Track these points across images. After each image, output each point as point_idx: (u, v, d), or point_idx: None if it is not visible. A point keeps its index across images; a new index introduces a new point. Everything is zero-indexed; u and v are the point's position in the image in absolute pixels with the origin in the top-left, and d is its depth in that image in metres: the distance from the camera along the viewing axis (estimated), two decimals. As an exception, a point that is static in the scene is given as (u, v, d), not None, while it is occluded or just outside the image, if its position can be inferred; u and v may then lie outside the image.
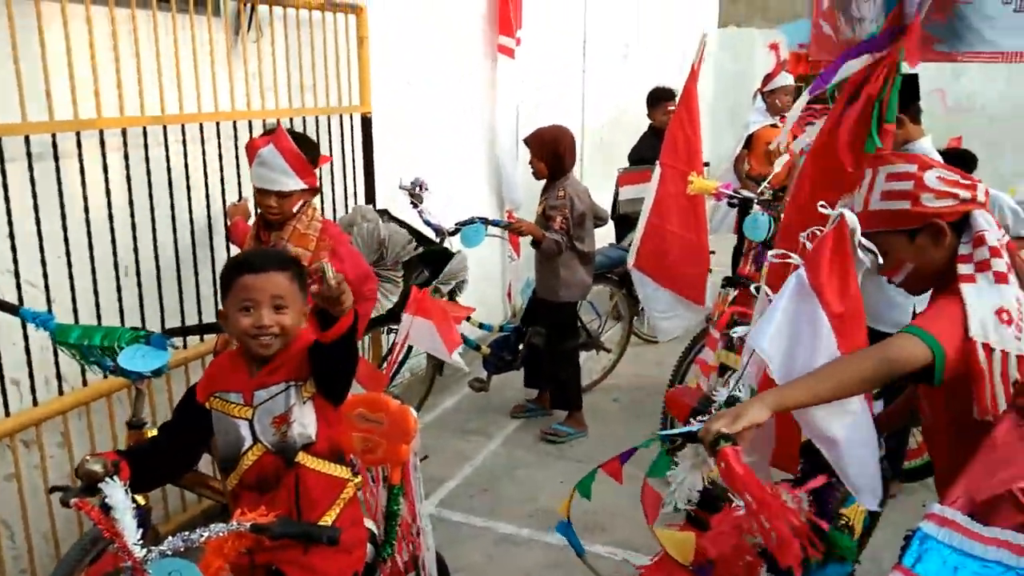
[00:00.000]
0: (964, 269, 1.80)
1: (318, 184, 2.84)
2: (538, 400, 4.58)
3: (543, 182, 4.15)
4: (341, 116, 3.97)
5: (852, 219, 1.83)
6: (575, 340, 4.34)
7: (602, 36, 7.25)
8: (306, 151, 2.72)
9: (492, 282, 5.50)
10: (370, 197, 4.19)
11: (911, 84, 3.84)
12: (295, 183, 2.68)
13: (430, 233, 4.01)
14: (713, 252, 3.99)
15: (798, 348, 1.73)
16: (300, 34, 3.68)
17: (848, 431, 1.77)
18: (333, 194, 3.97)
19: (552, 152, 4.02)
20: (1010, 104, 11.71)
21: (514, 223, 4.06)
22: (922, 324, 1.74)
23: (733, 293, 3.79)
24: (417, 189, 3.97)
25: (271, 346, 1.84)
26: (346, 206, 4.03)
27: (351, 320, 1.73)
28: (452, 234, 4.02)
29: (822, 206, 1.94)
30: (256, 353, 1.86)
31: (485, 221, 4.06)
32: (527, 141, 4.12)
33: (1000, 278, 1.77)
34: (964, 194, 1.84)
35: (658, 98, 5.88)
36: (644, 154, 5.73)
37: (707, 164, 6.06)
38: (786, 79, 6.30)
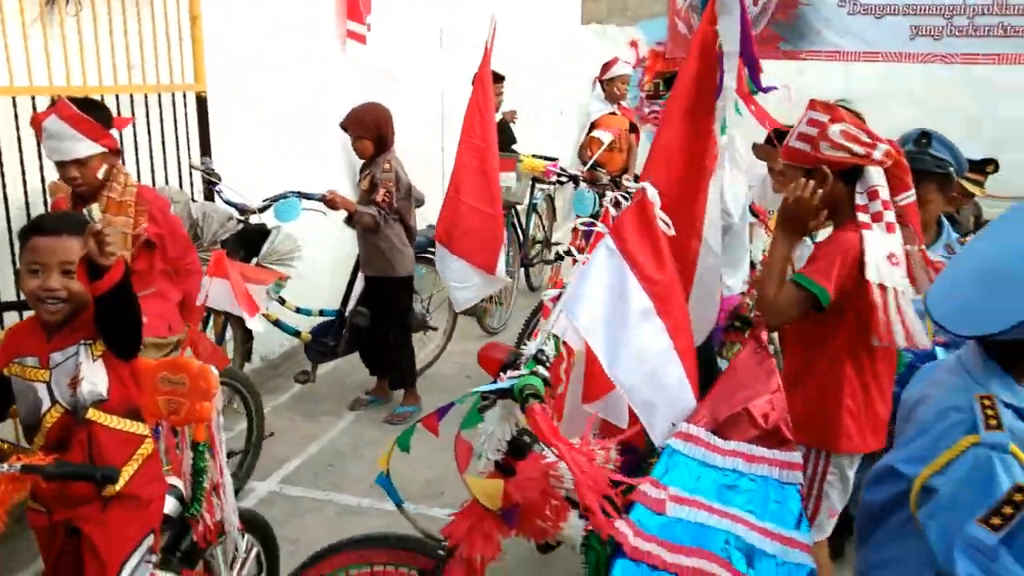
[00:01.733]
0: (863, 218, 2.13)
1: (118, 146, 2.80)
2: (376, 391, 4.55)
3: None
4: (174, 95, 3.90)
5: (652, 193, 2.00)
6: (409, 316, 4.37)
7: (460, 27, 7.35)
8: (93, 114, 2.67)
9: (311, 263, 5.42)
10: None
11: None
12: (88, 147, 2.64)
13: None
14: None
15: (608, 309, 1.83)
16: (125, 9, 3.59)
17: (639, 379, 1.84)
18: (166, 174, 3.89)
19: (377, 129, 4.08)
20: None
21: (328, 197, 4.02)
22: (807, 273, 2.14)
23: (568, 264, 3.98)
24: (212, 169, 3.91)
25: (58, 312, 1.84)
26: (180, 185, 3.95)
27: (121, 271, 1.75)
28: (262, 210, 3.92)
29: (635, 179, 2.12)
30: (43, 318, 1.86)
31: (300, 195, 4.00)
32: (345, 125, 4.12)
33: (890, 228, 2.13)
34: (859, 150, 2.14)
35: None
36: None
37: (556, 159, 6.30)
38: (623, 68, 6.60)
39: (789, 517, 1.60)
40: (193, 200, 3.51)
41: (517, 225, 6.24)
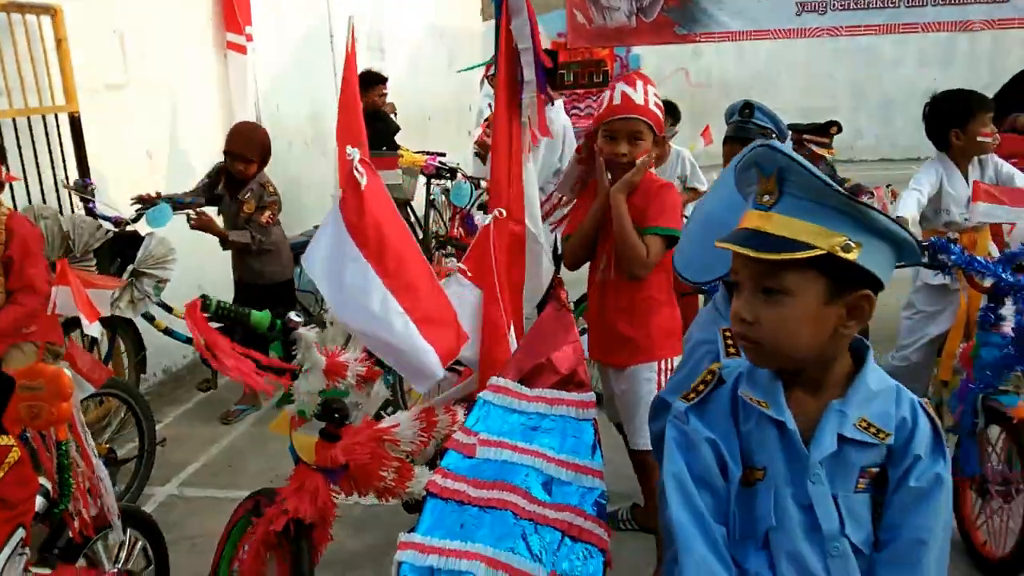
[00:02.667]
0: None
1: None
2: (246, 399, 4.45)
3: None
4: (45, 117, 3.95)
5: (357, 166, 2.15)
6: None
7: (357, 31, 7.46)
8: None
9: (204, 270, 5.04)
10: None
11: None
12: None
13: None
14: None
15: (337, 268, 1.97)
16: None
17: (366, 323, 1.98)
18: (43, 194, 3.94)
19: (264, 149, 4.17)
20: (741, 77, 13.12)
21: (195, 224, 4.05)
22: (663, 224, 2.54)
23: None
24: (86, 187, 3.97)
25: None
26: (59, 204, 4.01)
27: None
28: (136, 219, 3.98)
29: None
30: None
31: (170, 201, 4.02)
32: (233, 149, 4.10)
33: None
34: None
35: (369, 82, 6.18)
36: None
37: (443, 153, 6.49)
38: None
39: (584, 448, 1.82)
40: (61, 214, 3.58)
41: (415, 221, 6.41)
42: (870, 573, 1.21)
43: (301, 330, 2.13)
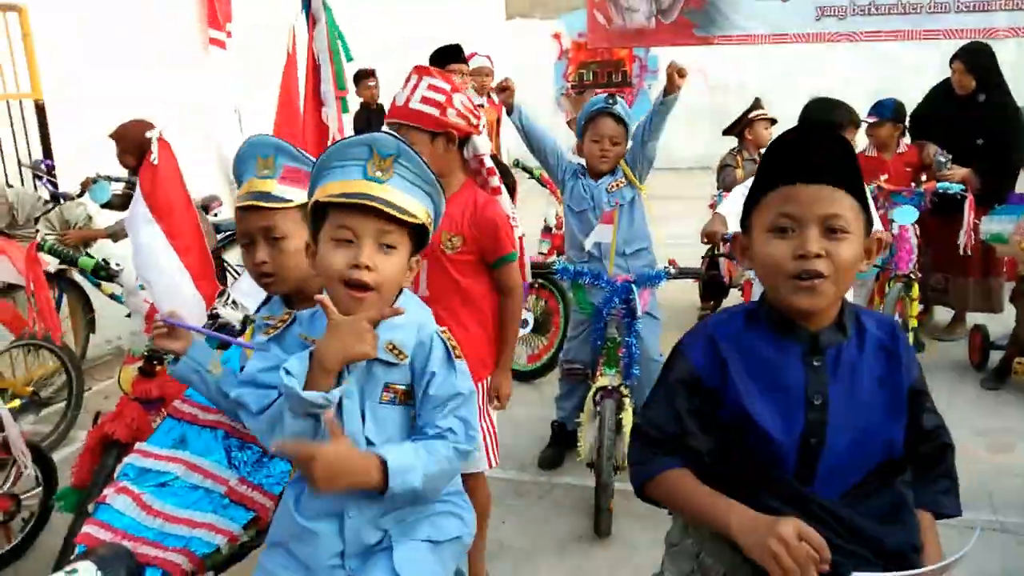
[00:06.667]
0: (494, 182, 2.43)
1: None
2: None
3: None
4: (9, 103, 4.49)
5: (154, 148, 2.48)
6: None
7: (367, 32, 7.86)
8: None
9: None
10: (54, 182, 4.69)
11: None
12: None
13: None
14: None
15: (136, 229, 2.37)
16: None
17: (165, 279, 2.34)
18: (6, 174, 4.48)
19: (141, 143, 4.45)
20: (761, 81, 13.13)
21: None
22: (507, 252, 2.41)
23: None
24: (38, 166, 4.48)
25: None
26: (22, 183, 4.55)
27: None
28: (80, 194, 4.41)
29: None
30: None
31: (108, 178, 4.36)
32: (116, 145, 4.23)
33: (495, 191, 2.43)
34: (474, 121, 2.37)
35: (359, 76, 6.57)
36: (358, 128, 6.45)
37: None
38: (481, 61, 7.09)
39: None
40: (9, 186, 4.10)
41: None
42: None
43: (122, 276, 2.57)
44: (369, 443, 1.54)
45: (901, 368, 1.33)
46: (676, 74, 3.14)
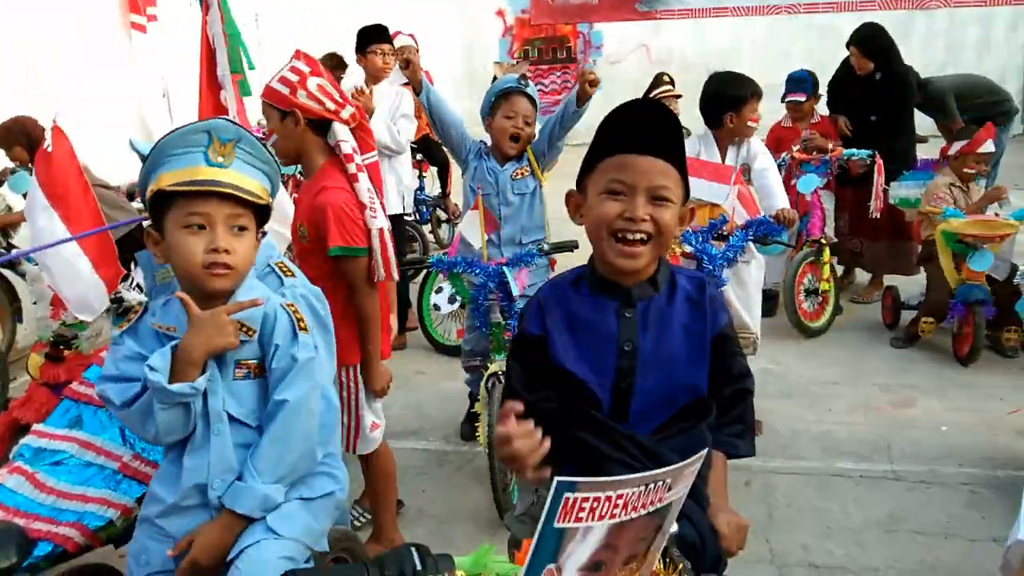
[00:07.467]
0: (350, 168, 2.36)
1: None
2: None
3: None
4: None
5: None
6: None
7: (279, 10, 7.80)
8: None
9: None
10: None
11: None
12: None
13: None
14: None
15: (34, 216, 2.42)
16: None
17: (62, 265, 2.39)
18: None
19: (27, 136, 4.27)
20: (701, 54, 13.27)
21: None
22: (346, 243, 2.31)
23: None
24: None
25: None
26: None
27: None
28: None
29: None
30: None
31: (27, 168, 4.26)
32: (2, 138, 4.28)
33: (353, 178, 2.35)
34: (330, 106, 2.34)
35: (332, 66, 6.49)
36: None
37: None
38: (405, 39, 6.99)
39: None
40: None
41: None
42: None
43: (27, 265, 2.59)
44: (232, 419, 1.62)
45: (705, 318, 1.45)
46: (588, 84, 3.08)
